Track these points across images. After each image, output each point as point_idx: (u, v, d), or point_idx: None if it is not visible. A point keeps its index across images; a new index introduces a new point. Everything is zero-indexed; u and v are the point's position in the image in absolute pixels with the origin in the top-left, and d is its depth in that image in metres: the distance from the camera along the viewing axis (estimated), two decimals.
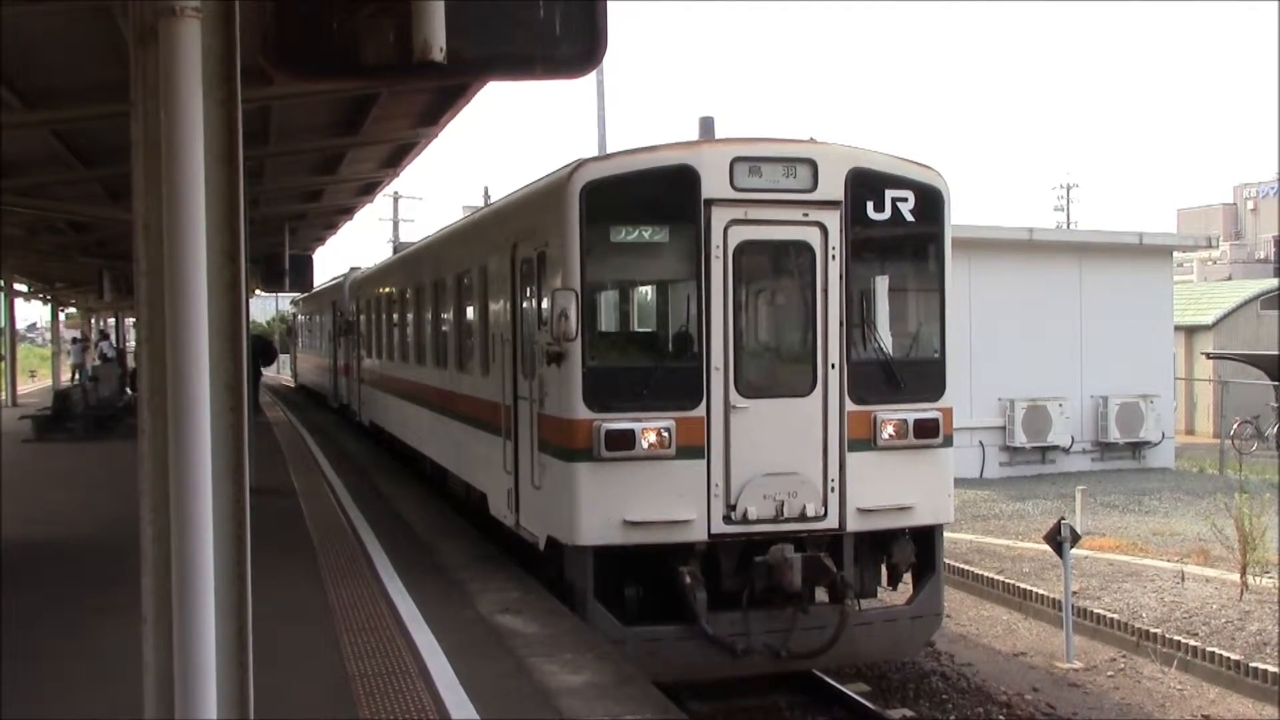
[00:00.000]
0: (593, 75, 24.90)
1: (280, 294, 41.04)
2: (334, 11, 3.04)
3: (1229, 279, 56.40)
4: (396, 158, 16.89)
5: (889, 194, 9.59)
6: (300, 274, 22.94)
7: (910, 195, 9.68)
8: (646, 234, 9.78)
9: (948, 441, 9.84)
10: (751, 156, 9.30)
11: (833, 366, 9.42)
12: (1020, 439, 22.60)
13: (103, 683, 7.20)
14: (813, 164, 9.40)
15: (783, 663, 9.32)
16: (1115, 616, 12.06)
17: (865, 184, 9.52)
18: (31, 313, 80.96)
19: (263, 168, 15.46)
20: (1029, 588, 13.43)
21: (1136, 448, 23.76)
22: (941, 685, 10.62)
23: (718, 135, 10.61)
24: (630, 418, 9.03)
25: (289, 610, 8.91)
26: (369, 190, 21.12)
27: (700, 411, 9.16)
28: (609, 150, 18.35)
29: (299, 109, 12.41)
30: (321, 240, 29.65)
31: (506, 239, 11.16)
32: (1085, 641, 11.91)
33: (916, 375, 9.85)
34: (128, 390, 30.57)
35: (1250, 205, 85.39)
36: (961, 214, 11.22)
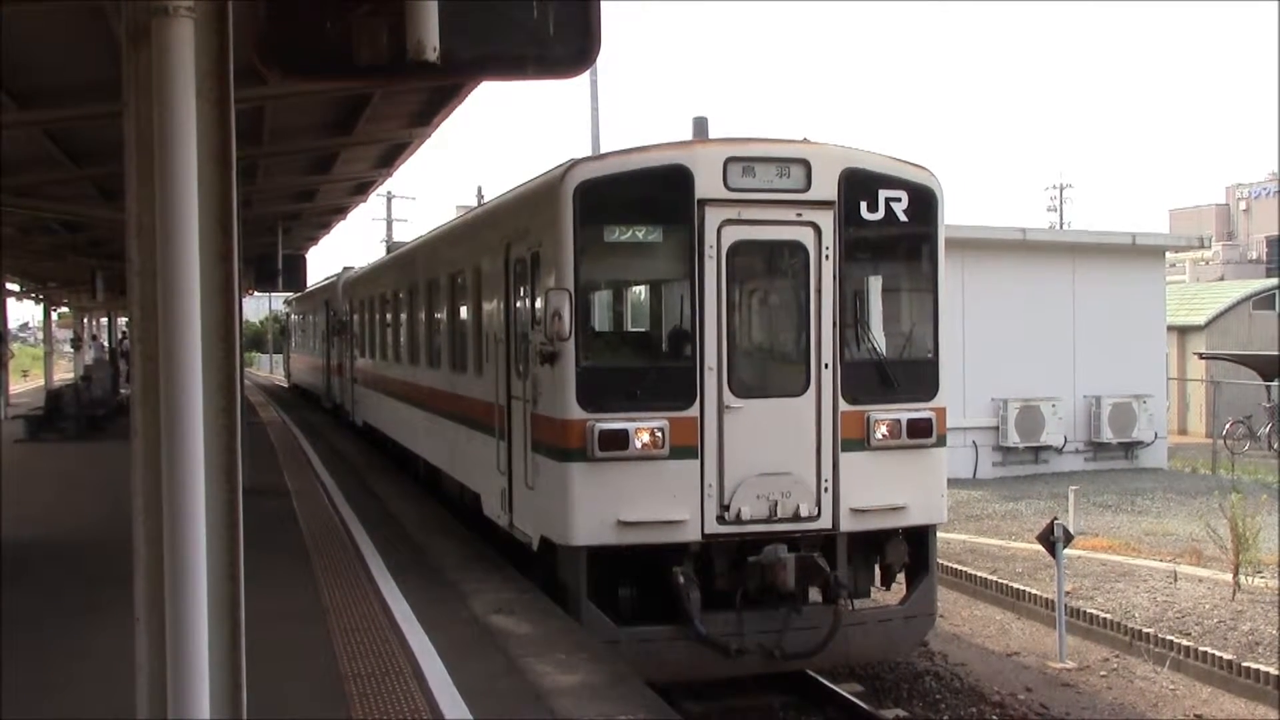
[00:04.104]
0: (586, 75, 24.90)
1: (273, 294, 41.05)
2: (327, 11, 3.05)
3: (1221, 279, 56.55)
4: (390, 157, 16.88)
5: (882, 194, 9.60)
6: (293, 274, 22.96)
7: (904, 195, 9.68)
8: (640, 234, 9.79)
9: (941, 441, 9.85)
10: (745, 156, 9.29)
11: (826, 366, 9.43)
12: (1013, 439, 22.63)
13: (97, 682, 7.18)
14: (806, 164, 9.41)
15: (776, 663, 9.32)
16: (1108, 616, 12.08)
17: (859, 184, 9.53)
18: (23, 312, 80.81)
19: (256, 167, 15.44)
20: (1022, 588, 13.45)
21: (1129, 448, 23.80)
22: (935, 685, 10.63)
23: (711, 135, 10.61)
24: (624, 418, 9.02)
25: (282, 610, 8.90)
26: (362, 190, 21.10)
27: (694, 411, 9.16)
28: (602, 150, 18.37)
29: (292, 109, 12.39)
30: (315, 240, 29.61)
31: (500, 239, 11.15)
32: (1078, 641, 11.93)
33: (910, 375, 9.86)
34: (121, 390, 30.53)
35: (1242, 206, 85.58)
36: (955, 214, 11.28)
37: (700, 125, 10.87)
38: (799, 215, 9.39)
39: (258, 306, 77.76)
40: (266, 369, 74.98)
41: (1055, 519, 11.78)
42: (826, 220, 9.42)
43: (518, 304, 10.63)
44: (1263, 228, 77.75)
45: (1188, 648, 11.00)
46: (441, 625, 8.59)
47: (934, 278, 10.02)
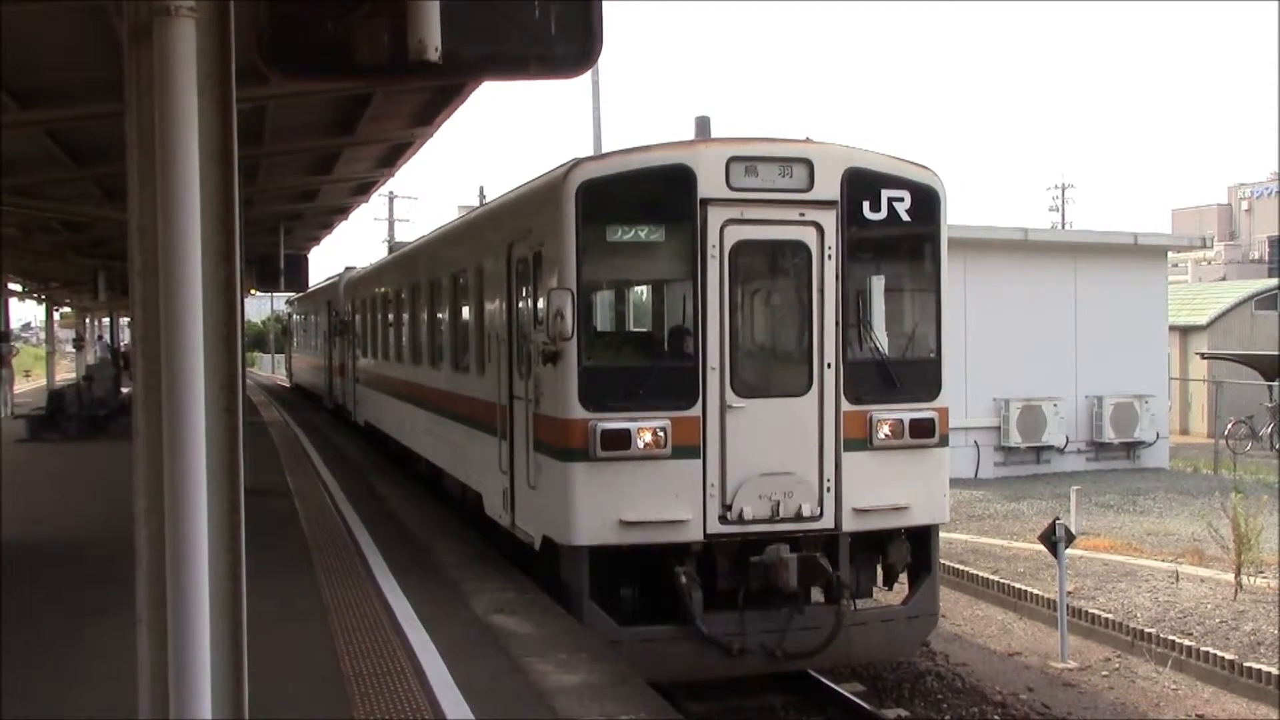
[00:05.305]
0: (588, 75, 24.88)
1: (275, 294, 41.07)
2: (329, 11, 3.04)
3: (1223, 279, 56.55)
4: (392, 157, 16.89)
5: (885, 194, 9.59)
6: (295, 274, 22.92)
7: (906, 195, 9.68)
8: (642, 233, 9.79)
9: (943, 441, 9.84)
10: (747, 156, 9.29)
11: (828, 366, 9.43)
12: (1015, 439, 22.61)
13: (99, 682, 7.19)
14: (809, 164, 9.40)
15: (778, 663, 9.31)
16: (1110, 616, 12.07)
17: (861, 184, 9.52)
18: (25, 312, 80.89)
19: (258, 167, 15.45)
20: (1024, 588, 13.44)
21: (1131, 448, 23.79)
22: (936, 685, 10.62)
23: (714, 135, 10.60)
24: (626, 417, 9.02)
25: (284, 610, 8.90)
26: (364, 190, 21.12)
27: (696, 411, 9.15)
28: (604, 150, 18.37)
29: (294, 108, 12.39)
30: (316, 240, 29.65)
31: (502, 239, 11.15)
32: (1080, 641, 11.92)
33: (912, 375, 9.85)
34: (123, 390, 30.54)
35: (1245, 206, 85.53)
36: (957, 214, 11.27)
37: (703, 125, 10.87)
38: (802, 215, 9.39)
39: (259, 306, 77.79)
40: (268, 369, 74.98)
41: (1057, 519, 11.78)
42: (829, 220, 9.41)
43: (520, 304, 10.63)
44: (1265, 228, 77.74)
45: (1189, 648, 10.99)
46: (443, 625, 8.59)
47: (936, 277, 10.02)
